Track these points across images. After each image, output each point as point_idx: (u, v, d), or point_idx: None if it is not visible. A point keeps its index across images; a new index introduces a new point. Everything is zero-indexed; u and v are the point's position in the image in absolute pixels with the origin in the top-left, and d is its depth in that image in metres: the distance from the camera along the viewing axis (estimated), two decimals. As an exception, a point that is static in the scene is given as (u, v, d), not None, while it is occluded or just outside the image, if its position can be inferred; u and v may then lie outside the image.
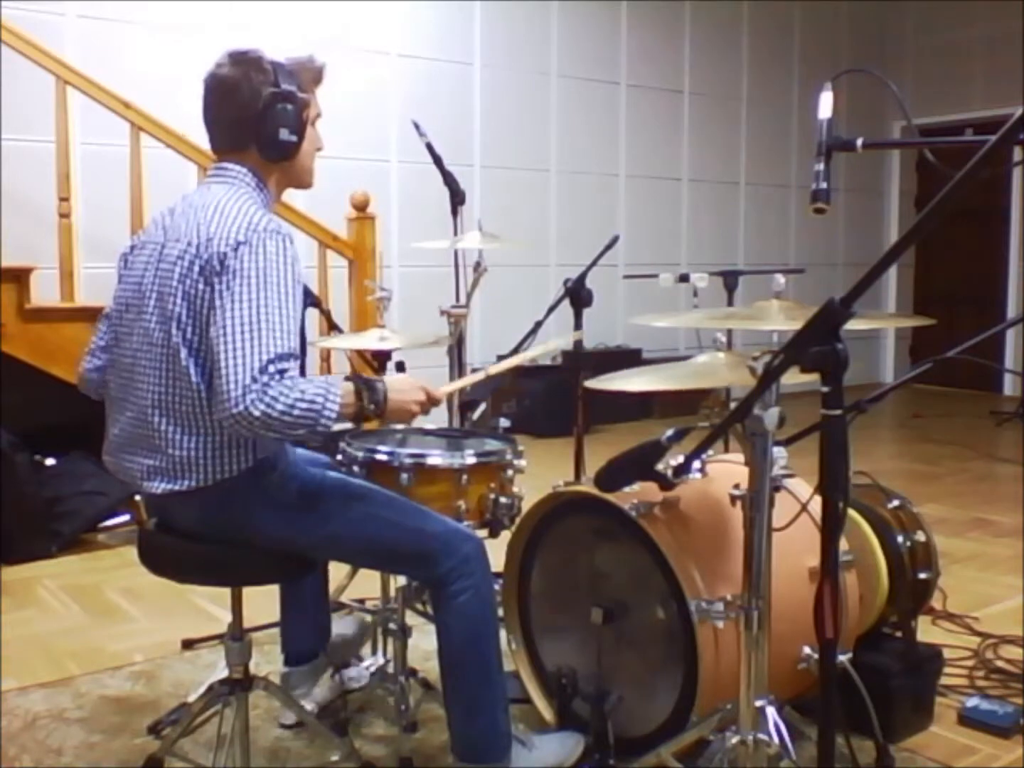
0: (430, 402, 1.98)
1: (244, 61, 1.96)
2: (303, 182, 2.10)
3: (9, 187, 4.66)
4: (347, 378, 1.88)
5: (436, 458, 2.23)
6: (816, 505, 1.49)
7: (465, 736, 2.03)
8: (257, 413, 1.71)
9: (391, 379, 1.94)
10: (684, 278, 3.24)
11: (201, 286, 1.83)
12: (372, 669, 2.56)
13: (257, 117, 1.94)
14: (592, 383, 2.03)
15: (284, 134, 1.96)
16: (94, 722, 2.51)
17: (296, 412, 1.72)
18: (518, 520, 2.34)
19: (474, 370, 2.39)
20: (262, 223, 1.85)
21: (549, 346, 2.40)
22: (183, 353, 1.85)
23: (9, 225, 4.46)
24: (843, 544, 2.19)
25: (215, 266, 1.82)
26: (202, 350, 1.85)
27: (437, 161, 3.12)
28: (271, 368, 1.73)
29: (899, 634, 2.49)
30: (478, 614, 1.98)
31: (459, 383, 2.37)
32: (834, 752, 1.51)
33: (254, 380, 1.71)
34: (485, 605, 2.00)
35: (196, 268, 1.84)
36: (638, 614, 2.17)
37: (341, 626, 2.61)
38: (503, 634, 2.17)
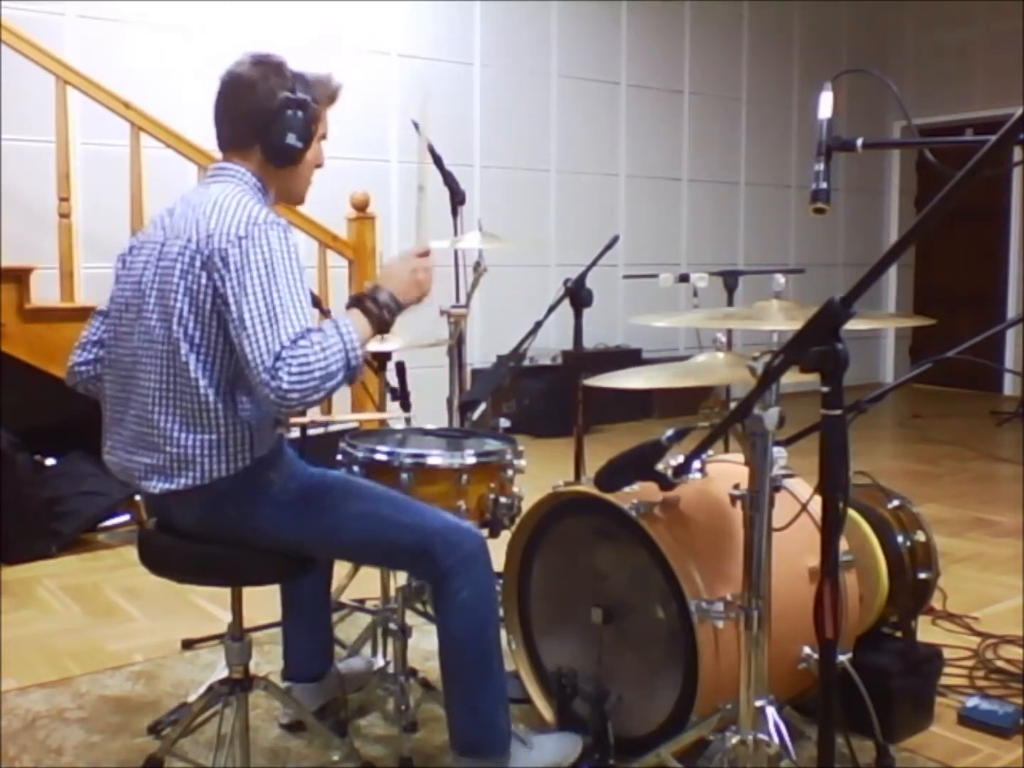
0: (425, 264, 1.99)
1: (265, 63, 1.98)
2: (297, 195, 2.11)
3: (9, 187, 4.66)
4: (348, 306, 1.90)
5: (436, 458, 2.23)
6: (816, 505, 1.49)
7: (464, 732, 2.03)
8: (287, 387, 1.71)
9: (385, 270, 1.98)
10: (684, 278, 3.24)
11: (203, 281, 1.84)
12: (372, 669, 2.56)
13: (268, 117, 1.95)
14: (592, 381, 2.03)
15: (291, 139, 1.97)
16: (94, 722, 2.51)
17: (323, 363, 1.73)
18: (518, 520, 2.34)
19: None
20: (261, 216, 1.86)
21: None
22: (183, 348, 1.86)
23: (9, 225, 4.46)
24: (843, 544, 2.19)
25: (216, 262, 1.82)
26: (203, 345, 1.86)
27: (437, 161, 3.12)
28: (288, 344, 1.74)
29: (899, 634, 2.49)
30: (479, 610, 1.98)
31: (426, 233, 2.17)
32: (834, 752, 1.51)
33: (277, 359, 1.72)
34: (486, 601, 2.00)
35: (197, 263, 1.85)
36: (638, 614, 2.17)
37: (351, 661, 2.62)
38: (503, 634, 2.17)
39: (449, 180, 3.13)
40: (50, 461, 4.17)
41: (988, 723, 2.42)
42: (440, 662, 2.03)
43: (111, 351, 2.04)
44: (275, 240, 1.83)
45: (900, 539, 2.45)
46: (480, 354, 6.21)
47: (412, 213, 2.10)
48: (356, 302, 1.90)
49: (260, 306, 1.77)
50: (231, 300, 1.80)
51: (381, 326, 1.89)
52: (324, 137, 2.09)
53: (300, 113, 1.97)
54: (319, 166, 2.10)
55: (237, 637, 2.06)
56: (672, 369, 2.07)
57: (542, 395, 6.25)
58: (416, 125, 3.16)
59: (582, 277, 2.97)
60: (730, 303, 3.53)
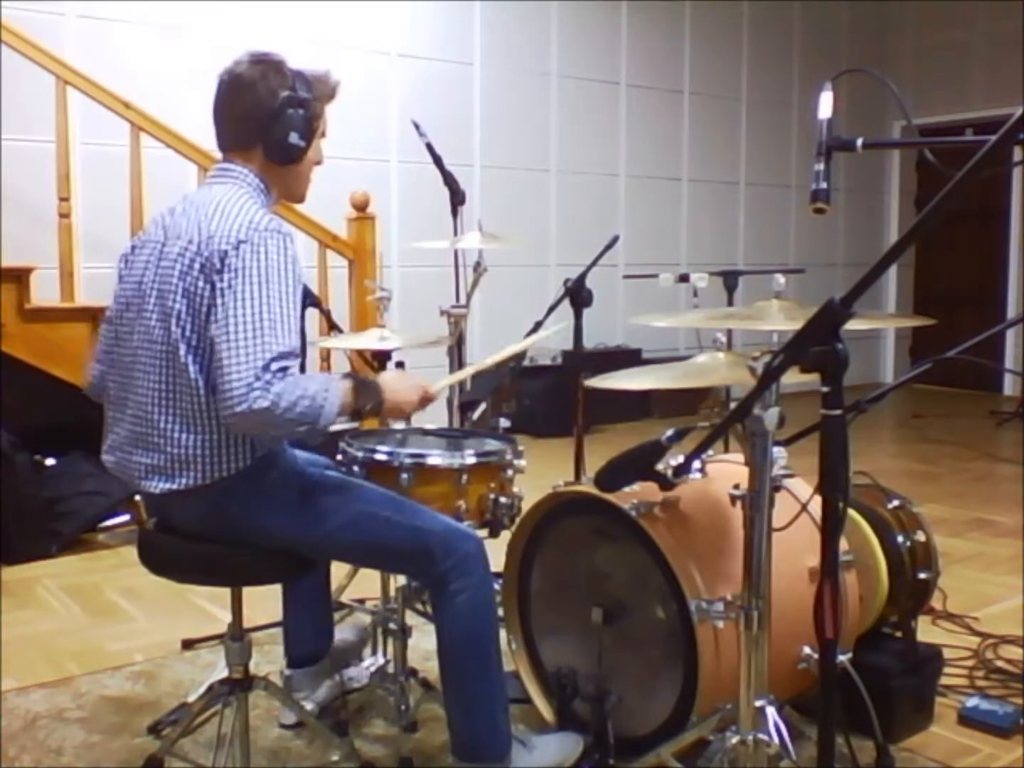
0: (425, 399, 2.00)
1: (264, 62, 1.98)
2: (299, 193, 2.12)
3: (9, 187, 4.66)
4: (345, 376, 1.90)
5: (436, 458, 2.23)
6: (816, 505, 1.49)
7: (464, 735, 2.03)
8: (260, 410, 1.72)
9: (387, 377, 1.98)
10: (684, 278, 3.23)
11: (201, 283, 1.84)
12: (372, 669, 2.56)
13: (269, 117, 1.95)
14: (592, 382, 2.03)
15: (294, 137, 1.97)
16: (94, 722, 2.51)
17: (298, 409, 1.74)
18: (518, 520, 2.34)
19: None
20: (263, 222, 1.86)
21: (540, 335, 2.42)
22: (182, 350, 1.86)
23: (9, 225, 4.46)
24: (843, 544, 2.18)
25: (215, 264, 1.82)
26: (200, 347, 1.86)
27: (437, 161, 3.12)
28: (274, 366, 1.74)
29: (899, 634, 2.49)
30: (478, 614, 1.98)
31: (453, 378, 2.39)
32: (834, 752, 1.51)
33: (257, 378, 1.73)
34: (485, 604, 2.00)
35: (197, 266, 1.85)
36: (638, 614, 2.17)
37: (342, 631, 2.62)
38: (503, 634, 2.17)
39: (449, 180, 3.13)
40: (50, 461, 4.17)
41: (988, 723, 2.42)
42: (439, 665, 2.03)
43: (113, 351, 2.04)
44: (274, 249, 1.83)
45: (900, 539, 2.45)
46: (480, 354, 6.19)
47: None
48: (355, 383, 1.89)
49: (247, 314, 1.77)
50: (219, 302, 1.80)
51: (356, 413, 1.90)
52: (324, 135, 2.09)
53: (301, 111, 1.97)
54: (318, 164, 2.10)
55: (237, 637, 2.06)
56: (672, 369, 2.07)
57: (542, 395, 6.25)
58: (417, 127, 3.17)
59: (582, 277, 2.97)
60: (730, 303, 3.54)
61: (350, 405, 1.85)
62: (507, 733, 2.04)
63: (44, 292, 4.24)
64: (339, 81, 2.08)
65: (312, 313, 2.73)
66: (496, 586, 2.15)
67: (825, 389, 1.40)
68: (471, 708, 2.02)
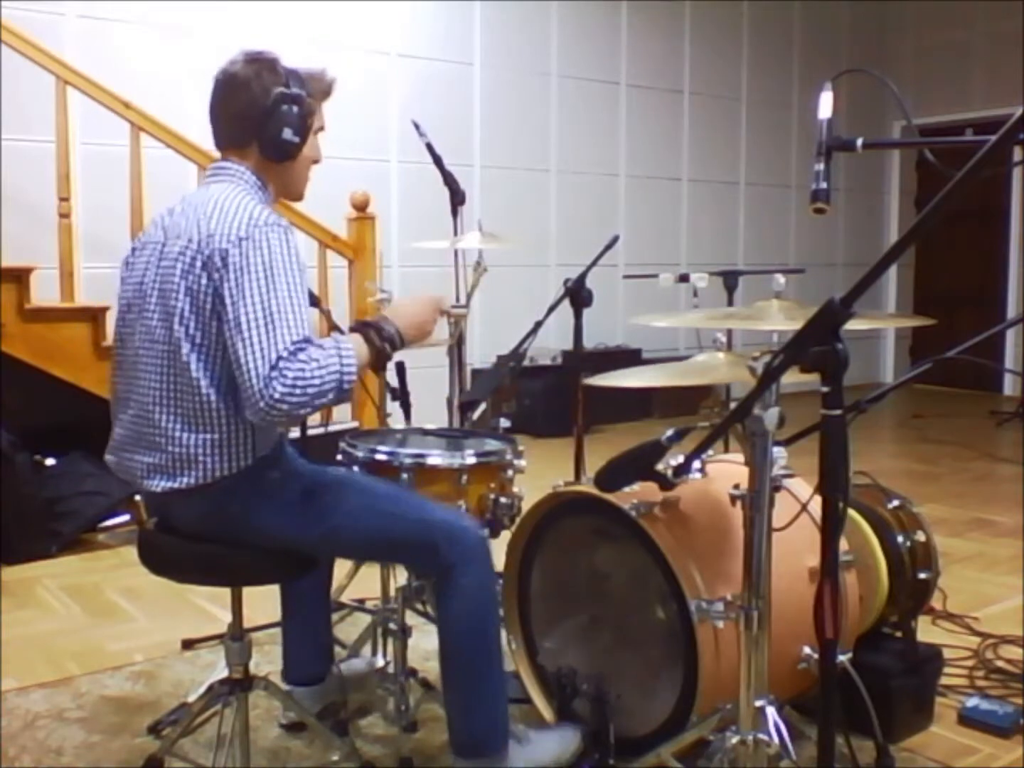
0: (442, 311, 2.05)
1: (258, 61, 1.99)
2: (296, 191, 2.12)
3: (9, 187, 4.66)
4: (353, 328, 1.91)
5: (436, 458, 2.23)
6: (816, 505, 1.49)
7: (463, 729, 2.03)
8: (281, 398, 1.72)
9: (396, 308, 2.00)
10: (684, 278, 3.24)
11: (204, 281, 1.85)
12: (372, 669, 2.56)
13: (263, 114, 1.96)
14: (592, 380, 2.04)
15: (287, 134, 1.97)
16: (94, 722, 2.51)
17: (318, 381, 1.74)
18: (518, 520, 2.34)
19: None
20: (262, 217, 1.86)
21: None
22: (185, 348, 1.86)
23: (9, 225, 4.46)
24: (843, 544, 2.18)
25: (216, 262, 1.83)
26: (204, 344, 1.86)
27: (437, 161, 3.12)
28: (285, 354, 1.75)
29: (899, 634, 2.49)
30: (482, 601, 1.99)
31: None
32: (834, 752, 1.51)
33: (273, 367, 1.73)
34: (488, 593, 2.00)
35: (198, 264, 1.85)
36: (638, 614, 2.17)
37: (351, 663, 2.61)
38: (503, 634, 2.17)
39: (449, 180, 3.13)
40: (50, 461, 4.17)
41: (988, 723, 2.42)
42: (440, 657, 2.03)
43: (117, 353, 2.04)
44: (276, 242, 1.83)
45: (900, 539, 2.45)
46: (480, 354, 6.21)
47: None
48: (361, 328, 1.90)
49: (258, 310, 1.78)
50: (228, 301, 1.80)
51: (379, 359, 1.91)
52: (322, 129, 2.09)
53: (295, 108, 1.97)
54: (316, 162, 2.11)
55: (237, 637, 2.06)
56: (672, 369, 2.07)
57: (542, 395, 6.25)
58: (417, 127, 3.17)
59: (582, 277, 2.97)
60: (730, 303, 3.54)
61: (370, 353, 1.87)
62: (505, 728, 2.03)
63: (44, 292, 4.24)
64: (335, 79, 2.08)
65: (312, 313, 2.73)
66: (497, 585, 2.14)
67: (825, 389, 1.40)
68: (471, 699, 2.00)
